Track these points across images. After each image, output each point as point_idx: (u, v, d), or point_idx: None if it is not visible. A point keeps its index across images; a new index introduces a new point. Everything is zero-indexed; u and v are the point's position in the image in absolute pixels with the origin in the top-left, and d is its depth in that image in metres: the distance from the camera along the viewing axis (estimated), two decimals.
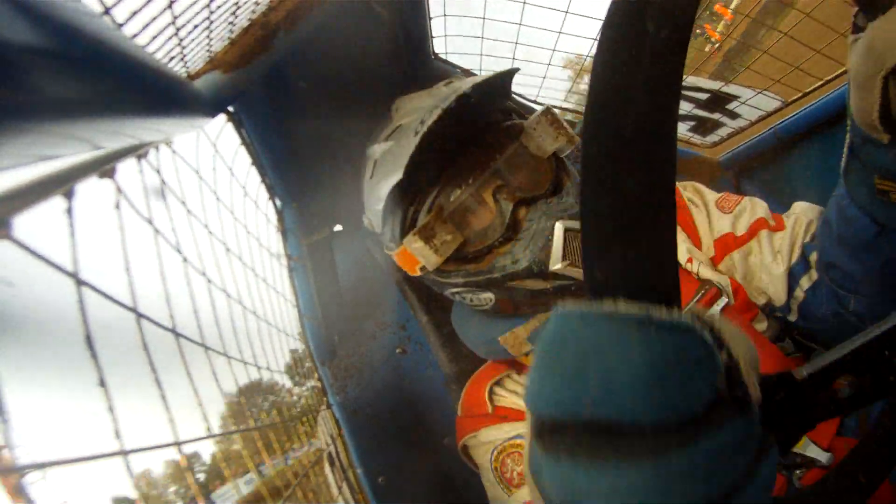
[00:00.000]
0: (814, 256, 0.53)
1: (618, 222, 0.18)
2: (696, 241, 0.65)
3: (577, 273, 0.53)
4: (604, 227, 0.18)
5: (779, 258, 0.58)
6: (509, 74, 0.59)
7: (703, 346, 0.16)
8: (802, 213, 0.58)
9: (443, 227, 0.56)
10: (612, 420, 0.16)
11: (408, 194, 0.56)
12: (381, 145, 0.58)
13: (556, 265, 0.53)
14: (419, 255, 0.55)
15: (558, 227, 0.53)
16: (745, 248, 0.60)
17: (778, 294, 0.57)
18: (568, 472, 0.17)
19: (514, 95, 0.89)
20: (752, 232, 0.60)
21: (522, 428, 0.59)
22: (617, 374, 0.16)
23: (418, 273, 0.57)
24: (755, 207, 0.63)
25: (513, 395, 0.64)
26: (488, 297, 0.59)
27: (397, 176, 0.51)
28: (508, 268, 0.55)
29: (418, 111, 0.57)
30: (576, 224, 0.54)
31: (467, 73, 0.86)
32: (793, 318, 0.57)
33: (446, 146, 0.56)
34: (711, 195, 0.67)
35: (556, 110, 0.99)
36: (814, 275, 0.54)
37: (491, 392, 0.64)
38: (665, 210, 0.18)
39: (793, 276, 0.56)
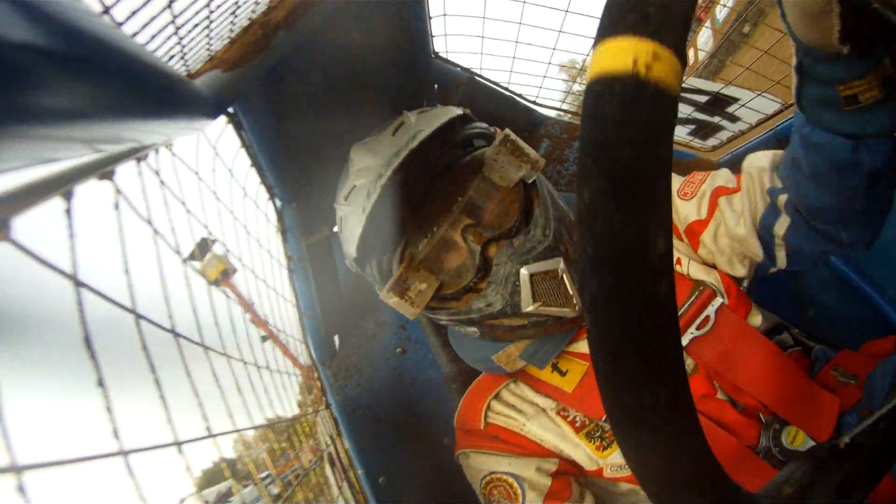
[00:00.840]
0: (782, 199, 0.52)
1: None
2: (675, 233, 0.64)
3: (551, 311, 0.54)
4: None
5: (741, 220, 0.56)
6: (458, 119, 0.58)
7: None
8: (752, 164, 0.57)
9: (416, 275, 0.56)
10: None
11: (374, 251, 0.57)
12: (341, 205, 0.58)
13: (528, 307, 0.54)
14: (398, 308, 0.56)
15: (524, 274, 0.53)
16: (710, 225, 0.60)
17: (753, 251, 0.56)
18: None
19: (486, 82, 0.87)
20: (713, 205, 0.60)
21: (508, 464, 0.61)
22: None
23: (413, 318, 0.58)
24: (714, 180, 0.61)
25: (510, 410, 0.64)
26: (473, 330, 0.61)
27: (352, 251, 0.54)
28: (484, 310, 0.56)
29: (371, 170, 0.55)
30: (541, 266, 0.54)
31: (468, 72, 0.86)
32: (781, 265, 0.56)
33: (408, 196, 0.56)
34: (674, 183, 0.66)
35: (554, 112, 0.99)
36: (786, 219, 0.52)
37: (487, 407, 0.65)
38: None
39: (764, 228, 0.54)
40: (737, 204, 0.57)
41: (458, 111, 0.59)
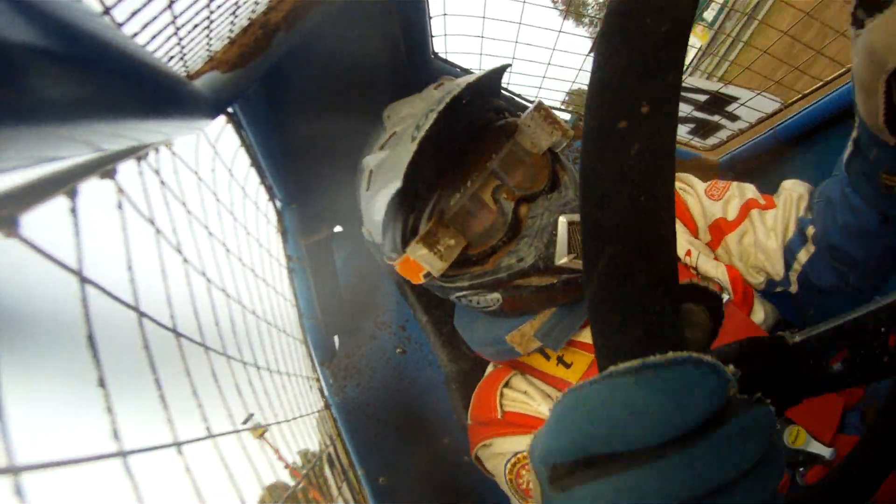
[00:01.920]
0: (810, 230, 0.54)
1: (619, 300, 0.19)
2: (692, 228, 0.66)
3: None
4: (606, 306, 0.19)
5: (772, 234, 0.59)
6: (500, 71, 0.58)
7: (703, 367, 0.17)
8: (792, 189, 0.60)
9: (445, 231, 0.55)
10: (621, 450, 0.17)
11: (407, 202, 0.56)
12: (375, 155, 0.58)
13: (562, 259, 0.53)
14: (424, 262, 0.55)
15: (562, 222, 0.53)
16: (738, 229, 0.62)
17: (775, 268, 0.58)
18: (581, 498, 0.18)
19: (504, 92, 0.89)
20: (744, 213, 0.61)
21: None
22: (621, 413, 0.17)
23: (421, 280, 0.57)
24: (744, 191, 0.64)
25: (523, 395, 0.64)
26: (495, 297, 0.59)
27: (397, 184, 0.51)
28: (514, 266, 0.55)
29: (412, 117, 0.57)
30: (578, 217, 0.53)
31: (467, 72, 0.86)
32: (793, 289, 0.58)
33: (443, 150, 0.55)
34: (699, 184, 0.68)
35: (555, 110, 0.99)
36: (811, 248, 0.54)
37: (501, 396, 0.64)
38: (667, 275, 0.19)
39: (789, 251, 0.57)
40: (769, 220, 0.60)
41: (500, 66, 0.60)
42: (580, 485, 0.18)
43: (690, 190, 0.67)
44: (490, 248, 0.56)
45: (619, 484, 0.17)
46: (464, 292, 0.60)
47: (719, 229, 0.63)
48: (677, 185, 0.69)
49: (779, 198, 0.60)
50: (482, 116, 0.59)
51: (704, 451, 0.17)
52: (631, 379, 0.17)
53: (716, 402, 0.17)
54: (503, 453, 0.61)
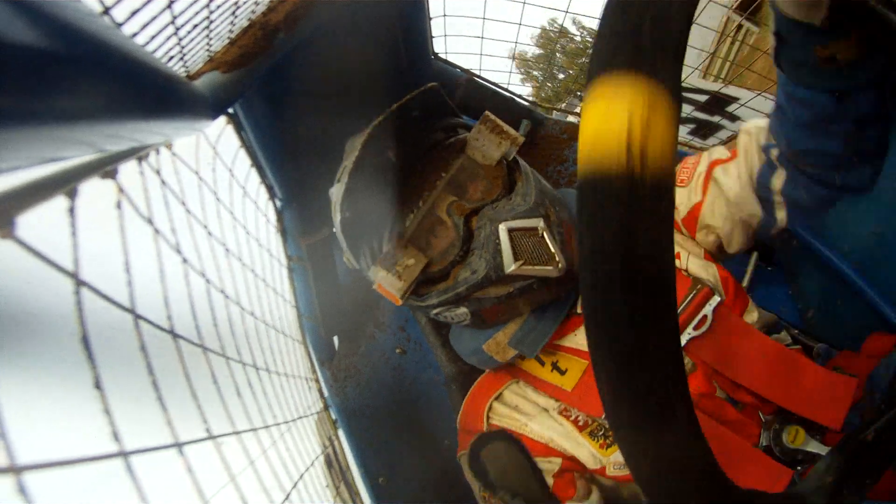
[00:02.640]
0: (775, 153, 0.51)
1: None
2: (676, 227, 0.65)
3: (534, 271, 0.54)
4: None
5: (737, 181, 0.56)
6: (428, 93, 0.58)
7: None
8: (750, 125, 0.56)
9: (404, 252, 0.56)
10: None
11: (357, 231, 0.57)
12: (335, 187, 0.59)
13: (510, 268, 0.53)
14: (385, 284, 0.56)
15: (502, 229, 0.53)
16: (707, 201, 0.59)
17: (751, 209, 0.56)
18: None
19: (504, 92, 0.89)
20: (706, 181, 0.59)
21: None
22: None
23: (399, 302, 0.58)
24: (709, 156, 0.61)
25: (511, 411, 0.64)
26: (463, 311, 0.60)
27: (337, 220, 0.53)
28: (470, 279, 0.55)
29: (356, 149, 0.56)
30: (520, 223, 0.54)
31: (467, 72, 0.86)
32: (782, 223, 0.56)
33: (386, 175, 0.56)
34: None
35: (550, 113, 0.98)
36: (781, 172, 0.52)
37: (490, 409, 0.65)
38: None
39: (761, 185, 0.54)
40: (732, 169, 0.57)
41: (433, 85, 0.60)
42: None
43: None
44: (450, 264, 0.57)
45: None
46: (436, 309, 0.61)
47: (694, 217, 0.61)
48: None
49: (739, 144, 0.57)
50: (430, 136, 0.60)
51: None
52: None
53: None
54: None
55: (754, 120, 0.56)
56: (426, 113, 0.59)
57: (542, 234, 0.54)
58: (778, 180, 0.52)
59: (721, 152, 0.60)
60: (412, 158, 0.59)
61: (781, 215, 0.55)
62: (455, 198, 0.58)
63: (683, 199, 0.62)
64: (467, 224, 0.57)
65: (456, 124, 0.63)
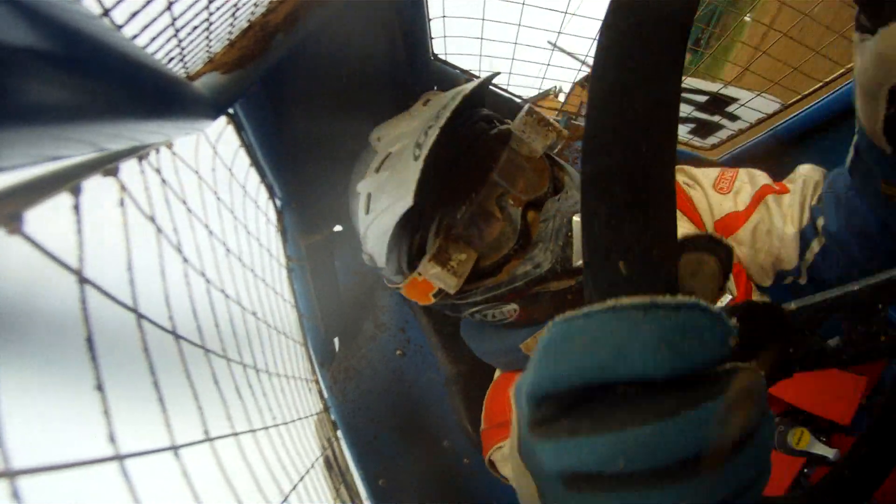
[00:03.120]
0: (821, 221, 0.53)
1: (618, 225, 0.18)
2: (698, 224, 0.64)
3: None
4: (604, 232, 0.18)
5: (788, 220, 0.56)
6: (490, 80, 0.58)
7: (711, 315, 0.16)
8: (808, 174, 0.57)
9: (455, 246, 0.54)
10: (623, 380, 0.16)
11: (411, 221, 0.55)
12: (372, 178, 0.57)
13: (580, 260, 0.52)
14: (437, 281, 0.54)
15: (576, 222, 0.52)
16: (752, 218, 0.59)
17: (790, 256, 0.56)
18: (571, 447, 0.16)
19: (503, 93, 0.89)
20: (757, 201, 0.59)
21: None
22: (627, 343, 0.16)
23: (430, 301, 0.56)
24: (755, 178, 0.61)
25: None
26: (512, 308, 0.57)
27: (406, 202, 0.50)
28: (531, 273, 0.53)
29: (406, 136, 0.56)
30: None
31: (466, 73, 0.86)
32: (803, 281, 0.57)
33: (444, 165, 0.55)
34: (706, 177, 0.66)
35: (554, 111, 0.99)
36: (822, 239, 0.53)
37: None
38: (665, 201, 0.18)
39: (804, 239, 0.55)
40: (785, 205, 0.58)
41: (492, 74, 0.60)
42: (569, 431, 0.16)
43: (695, 184, 0.66)
44: (502, 258, 0.55)
45: (616, 434, 0.15)
46: (478, 307, 0.59)
47: (728, 226, 0.61)
48: (680, 178, 0.67)
49: (793, 183, 0.58)
50: (474, 128, 0.59)
51: (711, 403, 0.16)
52: (640, 314, 0.16)
53: (722, 351, 0.16)
54: None
55: (809, 168, 0.58)
56: (472, 104, 0.57)
57: None
58: (817, 245, 0.54)
59: (766, 178, 0.61)
60: (457, 150, 0.57)
61: (805, 272, 0.56)
62: (502, 190, 0.56)
63: (725, 205, 0.62)
64: (523, 218, 0.55)
65: (492, 115, 0.62)
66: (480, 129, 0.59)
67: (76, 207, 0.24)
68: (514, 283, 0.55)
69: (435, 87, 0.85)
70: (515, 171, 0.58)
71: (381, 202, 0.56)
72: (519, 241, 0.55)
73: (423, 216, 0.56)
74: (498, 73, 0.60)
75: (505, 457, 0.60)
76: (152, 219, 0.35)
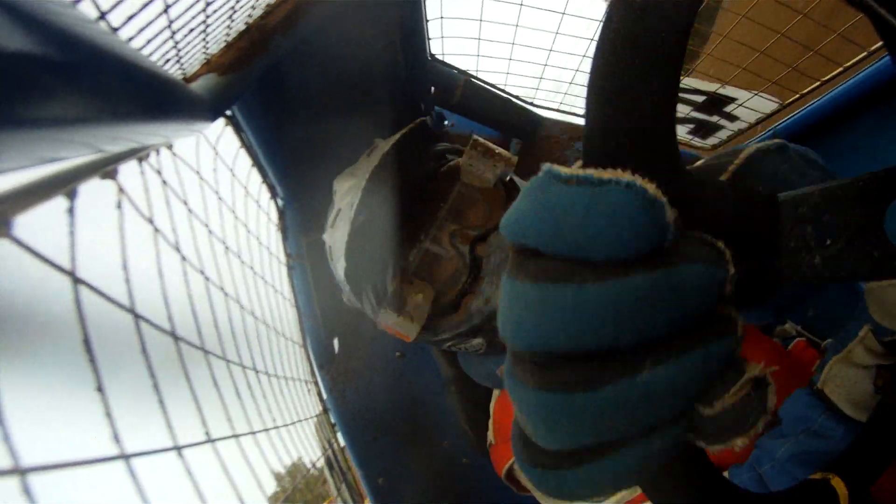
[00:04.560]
0: None
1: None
2: None
3: None
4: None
5: None
6: (422, 126, 0.58)
7: (645, 197, 0.16)
8: None
9: (411, 288, 0.55)
10: (582, 245, 0.16)
11: (367, 270, 0.56)
12: (328, 232, 0.59)
13: None
14: (398, 328, 0.55)
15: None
16: None
17: None
18: (527, 291, 0.16)
19: (502, 92, 0.89)
20: None
21: None
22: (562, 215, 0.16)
23: (411, 339, 0.57)
24: None
25: None
26: (478, 342, 0.59)
27: (342, 265, 0.53)
28: (485, 308, 0.54)
29: (352, 191, 0.56)
30: None
31: (464, 73, 0.86)
32: None
33: (387, 211, 0.56)
34: None
35: (555, 113, 0.99)
36: None
37: None
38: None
39: None
40: None
41: (421, 119, 0.60)
42: (530, 277, 0.16)
43: None
44: (459, 294, 0.56)
45: (577, 292, 0.15)
46: (449, 342, 0.60)
47: None
48: None
49: None
50: (424, 167, 0.60)
51: (672, 278, 0.15)
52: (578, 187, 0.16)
53: (671, 234, 0.16)
54: None
55: None
56: (414, 146, 0.58)
57: None
58: None
59: None
60: (407, 191, 0.58)
61: None
62: (457, 226, 0.57)
63: None
64: (472, 252, 0.56)
65: (444, 150, 0.63)
66: (429, 168, 0.60)
67: (71, 210, 0.24)
68: (471, 320, 0.55)
69: (433, 89, 0.85)
70: (467, 206, 0.58)
71: (335, 256, 0.58)
72: (471, 276, 0.56)
73: (376, 263, 0.56)
74: (424, 121, 0.60)
75: None
76: (150, 220, 0.35)
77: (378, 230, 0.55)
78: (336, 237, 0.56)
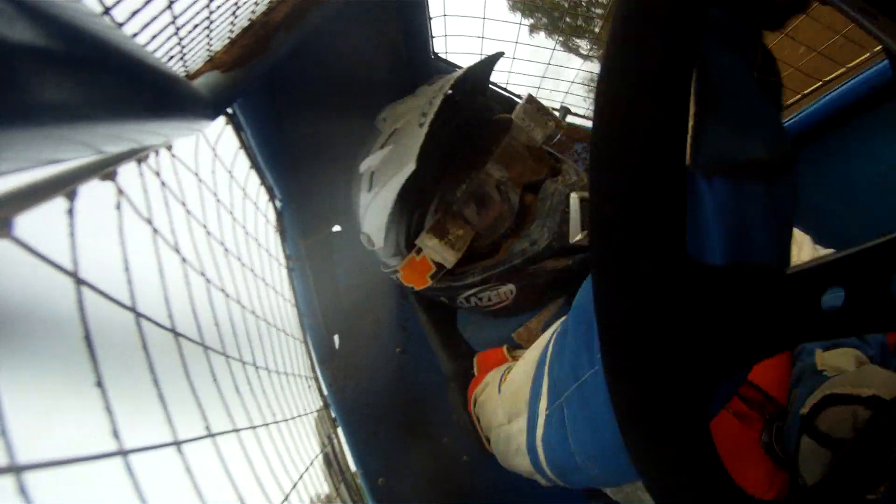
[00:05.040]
0: None
1: None
2: None
3: None
4: None
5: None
6: (494, 60, 0.58)
7: None
8: None
9: (454, 222, 0.54)
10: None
11: (412, 196, 0.55)
12: (375, 154, 0.57)
13: (576, 236, 0.51)
14: (435, 254, 0.54)
15: (573, 198, 0.52)
16: None
17: None
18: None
19: (503, 92, 0.89)
20: None
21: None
22: None
23: (427, 283, 0.56)
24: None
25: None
26: (509, 288, 0.57)
27: (410, 167, 0.49)
28: (528, 250, 0.53)
29: (411, 111, 0.56)
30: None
31: None
32: None
33: (445, 140, 0.55)
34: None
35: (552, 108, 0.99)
36: None
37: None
38: None
39: None
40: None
41: (495, 53, 0.60)
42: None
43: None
44: (499, 238, 0.56)
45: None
46: (475, 289, 0.58)
47: None
48: None
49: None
50: (476, 112, 0.60)
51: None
52: None
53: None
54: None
55: None
56: (478, 81, 0.58)
57: None
58: None
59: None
60: (461, 131, 0.57)
61: None
62: (501, 174, 0.56)
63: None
64: (521, 200, 0.55)
65: (491, 104, 0.63)
66: (482, 112, 0.60)
67: (70, 211, 0.24)
68: (511, 261, 0.55)
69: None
70: (514, 158, 0.58)
71: (384, 175, 0.56)
72: (516, 221, 0.55)
73: (423, 192, 0.56)
74: (502, 54, 0.59)
75: (484, 385, 0.57)
76: (149, 221, 0.35)
77: (439, 151, 0.53)
78: (388, 154, 0.54)
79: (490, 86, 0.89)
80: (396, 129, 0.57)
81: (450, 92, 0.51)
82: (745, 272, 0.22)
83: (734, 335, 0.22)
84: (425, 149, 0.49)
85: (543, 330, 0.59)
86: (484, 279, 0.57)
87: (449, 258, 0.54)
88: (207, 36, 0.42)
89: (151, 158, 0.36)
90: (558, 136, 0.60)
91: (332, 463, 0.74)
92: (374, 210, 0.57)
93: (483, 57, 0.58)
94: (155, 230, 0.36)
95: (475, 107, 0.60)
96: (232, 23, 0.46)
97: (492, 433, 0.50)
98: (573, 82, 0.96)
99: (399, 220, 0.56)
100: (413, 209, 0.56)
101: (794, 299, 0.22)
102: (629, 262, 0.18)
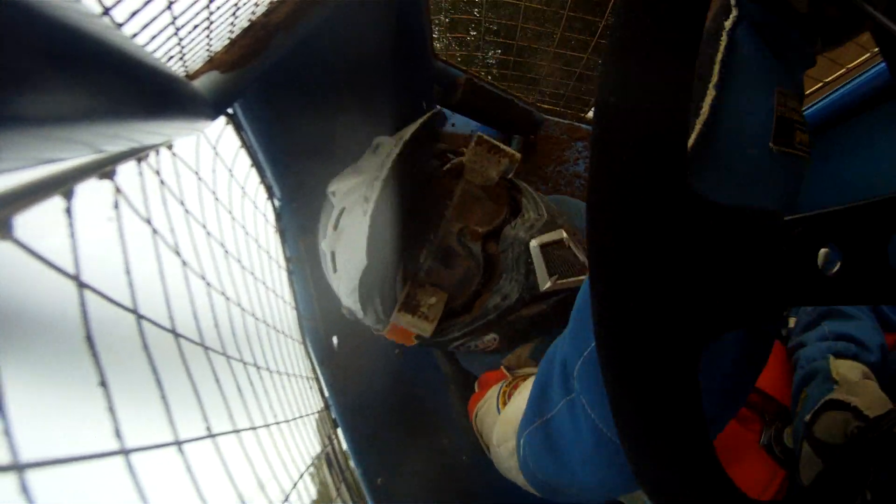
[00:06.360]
0: None
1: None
2: None
3: (568, 283, 0.52)
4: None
5: None
6: (433, 119, 0.58)
7: None
8: None
9: (423, 291, 0.55)
10: None
11: (375, 275, 0.55)
12: (331, 236, 0.57)
13: (546, 285, 0.52)
14: (412, 328, 0.54)
15: (534, 247, 0.52)
16: None
17: None
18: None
19: (501, 92, 0.89)
20: None
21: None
22: None
23: (414, 343, 0.57)
24: None
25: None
26: (492, 337, 0.58)
27: (362, 262, 0.51)
28: (501, 305, 0.54)
29: (357, 188, 0.56)
30: (549, 237, 0.52)
31: (467, 72, 0.86)
32: None
33: (395, 213, 0.55)
34: None
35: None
36: None
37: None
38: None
39: None
40: None
41: (430, 113, 0.59)
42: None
43: None
44: (472, 294, 0.56)
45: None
46: (460, 341, 0.59)
47: None
48: None
49: None
50: (427, 167, 0.59)
51: None
52: None
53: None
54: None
55: None
56: (424, 141, 0.58)
57: (568, 244, 0.53)
58: None
59: None
60: (412, 192, 0.57)
61: None
62: (461, 225, 0.56)
63: None
64: (484, 250, 0.55)
65: (443, 150, 0.62)
66: (431, 167, 0.59)
67: (68, 211, 0.24)
68: (486, 316, 0.55)
69: (435, 87, 0.85)
70: (471, 204, 0.57)
71: (342, 260, 0.56)
72: (485, 275, 0.55)
73: (386, 268, 0.55)
74: (440, 112, 0.59)
75: (486, 398, 0.58)
76: (148, 221, 0.35)
77: (394, 227, 0.54)
78: (344, 239, 0.55)
79: (501, 92, 0.88)
80: (344, 207, 0.57)
81: (389, 171, 0.50)
82: (747, 216, 0.22)
83: (730, 285, 0.21)
84: (372, 238, 0.50)
85: (531, 356, 0.59)
86: (464, 334, 0.57)
87: (426, 329, 0.54)
88: (207, 36, 0.42)
89: (151, 158, 0.36)
90: (513, 170, 0.59)
91: (333, 463, 0.73)
92: (345, 291, 0.58)
93: (422, 119, 0.57)
94: (154, 230, 0.36)
95: (424, 164, 0.59)
96: (232, 23, 0.46)
97: (491, 448, 0.51)
98: (573, 82, 0.96)
99: (371, 296, 0.56)
100: (381, 285, 0.56)
101: (791, 252, 0.21)
102: (635, 190, 0.18)
